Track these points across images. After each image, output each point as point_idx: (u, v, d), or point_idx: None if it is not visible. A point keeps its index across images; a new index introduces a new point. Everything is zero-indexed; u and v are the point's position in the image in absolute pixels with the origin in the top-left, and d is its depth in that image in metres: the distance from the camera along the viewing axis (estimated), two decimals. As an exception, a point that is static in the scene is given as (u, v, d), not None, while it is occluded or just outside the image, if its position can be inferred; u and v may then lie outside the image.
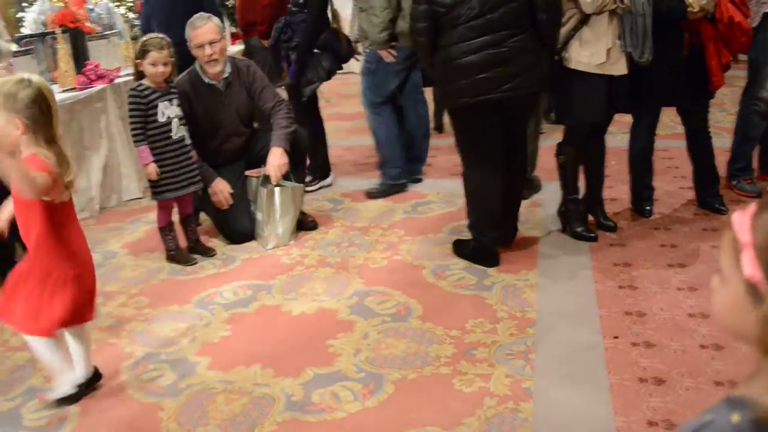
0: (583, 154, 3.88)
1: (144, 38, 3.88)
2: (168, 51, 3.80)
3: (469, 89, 3.41)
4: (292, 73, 4.88)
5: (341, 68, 5.20)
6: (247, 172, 4.40)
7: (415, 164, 5.16)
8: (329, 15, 4.99)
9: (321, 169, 5.21)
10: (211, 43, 4.02)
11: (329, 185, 5.22)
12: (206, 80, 4.14)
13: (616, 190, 4.53)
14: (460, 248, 3.84)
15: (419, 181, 5.14)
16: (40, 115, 2.42)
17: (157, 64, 3.77)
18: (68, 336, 2.72)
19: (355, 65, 10.98)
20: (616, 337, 2.96)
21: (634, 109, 4.02)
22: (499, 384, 2.68)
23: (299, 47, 4.81)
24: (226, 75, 4.15)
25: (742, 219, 0.95)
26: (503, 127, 3.59)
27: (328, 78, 5.02)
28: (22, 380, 2.95)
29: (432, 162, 5.58)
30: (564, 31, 3.60)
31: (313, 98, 5.05)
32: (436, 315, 3.24)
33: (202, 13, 4.14)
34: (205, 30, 4.03)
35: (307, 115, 5.00)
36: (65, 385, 2.72)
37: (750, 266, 0.91)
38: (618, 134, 4.82)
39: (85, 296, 2.67)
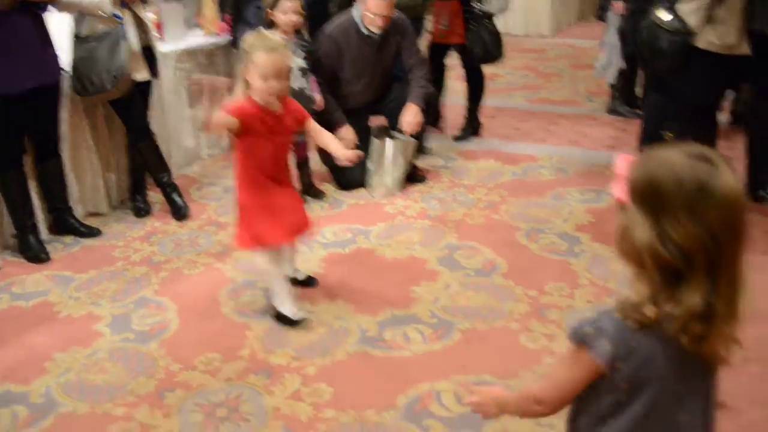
0: (689, 132, 3.82)
1: (277, -13, 4.11)
2: (300, 1, 4.02)
3: None
4: None
5: None
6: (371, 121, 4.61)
7: None
8: None
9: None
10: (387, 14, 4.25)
11: None
12: (364, 31, 4.31)
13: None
14: None
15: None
16: None
17: (288, 12, 3.98)
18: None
19: (499, 26, 10.91)
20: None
21: (759, 93, 3.91)
22: (562, 345, 2.78)
23: None
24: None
25: (624, 160, 1.25)
26: None
27: None
28: (136, 291, 3.33)
29: (552, 129, 5.60)
30: (692, 7, 3.52)
31: None
32: (519, 274, 3.35)
33: None
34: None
35: None
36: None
37: (619, 191, 1.21)
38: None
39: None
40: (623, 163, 1.26)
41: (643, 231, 1.15)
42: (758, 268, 3.31)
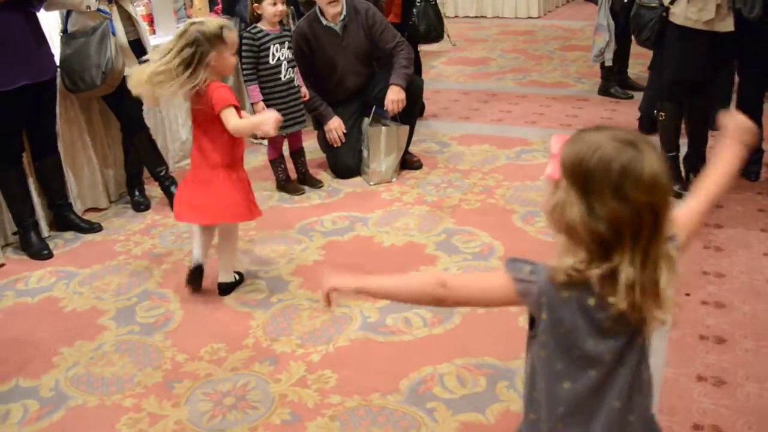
0: (682, 112, 3.87)
1: (261, -18, 4.15)
2: None
3: None
4: None
5: None
6: None
7: None
8: None
9: None
10: None
11: None
12: (324, 23, 4.38)
13: (727, 150, 4.46)
14: None
15: None
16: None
17: (277, 2, 4.02)
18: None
19: (488, 9, 10.92)
20: (687, 294, 3.02)
21: (740, 68, 3.95)
22: (561, 325, 2.83)
23: None
24: (342, 18, 4.38)
25: (558, 140, 1.33)
26: None
27: None
28: (139, 284, 3.38)
29: (544, 112, 5.65)
30: None
31: None
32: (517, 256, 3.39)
33: None
34: None
35: None
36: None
37: (553, 169, 1.30)
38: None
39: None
40: (557, 143, 1.34)
41: (575, 208, 1.24)
42: (753, 244, 3.38)
